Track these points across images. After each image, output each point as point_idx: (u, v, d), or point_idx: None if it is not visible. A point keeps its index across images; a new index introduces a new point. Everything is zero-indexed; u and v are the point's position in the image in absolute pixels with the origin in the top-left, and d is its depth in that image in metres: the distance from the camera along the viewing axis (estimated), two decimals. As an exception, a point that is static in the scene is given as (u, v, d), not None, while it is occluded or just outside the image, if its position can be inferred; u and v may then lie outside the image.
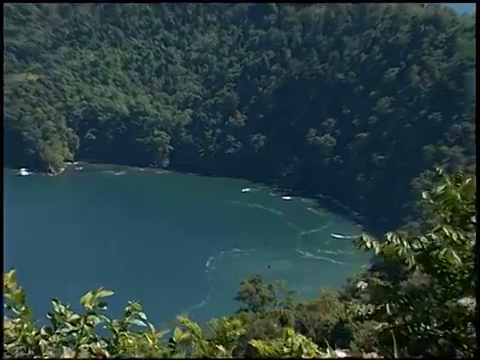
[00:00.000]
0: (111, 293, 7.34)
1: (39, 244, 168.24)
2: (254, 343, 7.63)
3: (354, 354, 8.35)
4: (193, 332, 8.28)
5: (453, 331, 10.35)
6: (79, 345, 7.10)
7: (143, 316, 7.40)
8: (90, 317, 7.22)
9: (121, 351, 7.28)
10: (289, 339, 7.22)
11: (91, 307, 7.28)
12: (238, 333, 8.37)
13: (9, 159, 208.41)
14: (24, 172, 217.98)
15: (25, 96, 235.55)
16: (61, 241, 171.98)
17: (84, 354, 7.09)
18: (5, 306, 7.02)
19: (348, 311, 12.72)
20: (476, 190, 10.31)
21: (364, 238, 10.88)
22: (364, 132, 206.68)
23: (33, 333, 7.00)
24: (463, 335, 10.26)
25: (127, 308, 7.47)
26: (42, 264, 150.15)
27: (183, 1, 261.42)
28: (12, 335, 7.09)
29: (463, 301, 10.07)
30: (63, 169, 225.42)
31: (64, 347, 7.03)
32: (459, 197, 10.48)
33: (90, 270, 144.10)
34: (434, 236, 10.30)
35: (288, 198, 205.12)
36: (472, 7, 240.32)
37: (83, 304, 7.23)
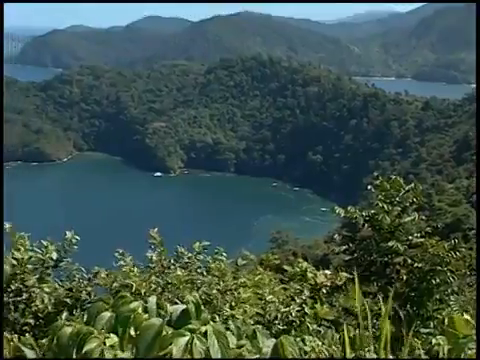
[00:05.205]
0: (208, 243, 7.43)
1: (165, 209, 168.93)
2: (285, 267, 7.68)
3: (333, 271, 8.40)
4: (251, 260, 8.32)
5: (385, 259, 10.34)
6: (189, 268, 7.20)
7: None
8: (198, 256, 7.33)
9: (212, 270, 7.31)
10: (300, 264, 7.30)
11: (198, 250, 7.37)
12: (276, 262, 8.46)
13: (151, 167, 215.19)
14: (157, 174, 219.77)
15: (158, 134, 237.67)
16: (175, 209, 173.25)
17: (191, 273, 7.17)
18: (151, 247, 7.16)
19: (330, 250, 12.76)
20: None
21: (335, 208, 10.98)
22: (337, 154, 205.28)
23: (167, 261, 7.15)
24: (390, 261, 10.25)
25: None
26: (174, 222, 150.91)
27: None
28: (154, 263, 7.21)
29: (389, 243, 10.06)
30: (178, 172, 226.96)
31: (178, 268, 7.11)
32: (388, 186, 10.52)
33: (192, 225, 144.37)
34: (374, 210, 10.36)
35: (297, 189, 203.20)
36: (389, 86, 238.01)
37: (193, 248, 7.33)
